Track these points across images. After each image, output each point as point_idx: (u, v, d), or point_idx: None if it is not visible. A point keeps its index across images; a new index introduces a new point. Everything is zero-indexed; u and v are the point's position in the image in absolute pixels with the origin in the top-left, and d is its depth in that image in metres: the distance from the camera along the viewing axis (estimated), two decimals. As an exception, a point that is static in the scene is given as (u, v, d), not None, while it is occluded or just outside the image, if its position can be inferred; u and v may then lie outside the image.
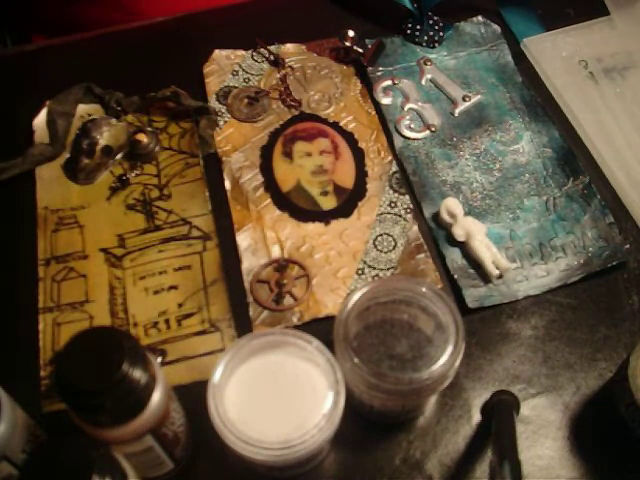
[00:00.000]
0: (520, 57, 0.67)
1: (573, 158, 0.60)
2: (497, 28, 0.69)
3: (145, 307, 0.53)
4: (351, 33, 0.65)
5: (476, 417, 0.49)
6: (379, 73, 0.65)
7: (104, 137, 0.60)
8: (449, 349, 0.43)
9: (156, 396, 0.39)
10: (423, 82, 0.65)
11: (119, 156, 0.59)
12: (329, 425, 0.41)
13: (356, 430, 0.48)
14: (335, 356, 0.44)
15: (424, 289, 0.46)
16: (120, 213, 0.57)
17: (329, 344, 0.44)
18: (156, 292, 0.53)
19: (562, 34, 0.68)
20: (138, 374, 0.37)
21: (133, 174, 0.59)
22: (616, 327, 0.53)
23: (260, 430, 0.41)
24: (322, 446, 0.43)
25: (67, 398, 0.37)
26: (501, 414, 0.46)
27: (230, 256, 0.55)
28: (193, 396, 0.43)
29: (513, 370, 0.51)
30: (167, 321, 0.52)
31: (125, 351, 0.37)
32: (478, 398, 0.50)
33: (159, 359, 0.50)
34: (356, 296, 0.45)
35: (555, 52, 0.67)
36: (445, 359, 0.43)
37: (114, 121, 0.61)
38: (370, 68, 0.65)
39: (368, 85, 0.65)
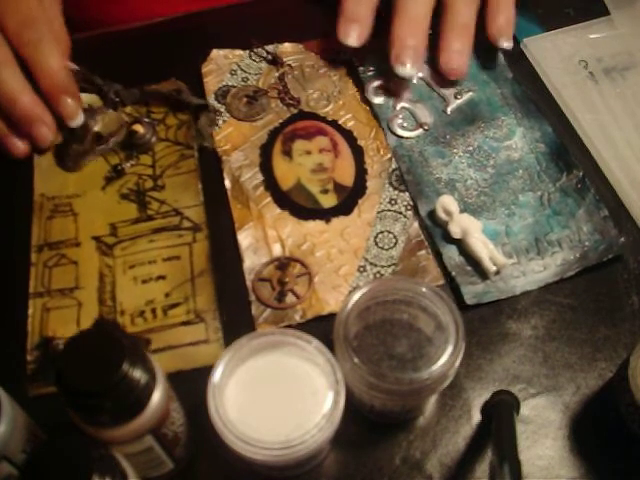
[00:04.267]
0: (520, 57, 0.67)
1: (566, 153, 0.60)
2: None
3: (133, 296, 0.53)
4: None
5: (476, 417, 0.49)
6: (370, 73, 0.65)
7: (97, 125, 0.61)
8: (449, 349, 0.44)
9: (156, 396, 0.39)
10: (414, 81, 0.65)
11: (112, 143, 0.60)
12: (329, 425, 0.41)
13: (356, 430, 0.48)
14: (335, 356, 0.44)
15: (424, 289, 0.46)
16: (114, 202, 0.58)
17: (329, 344, 0.44)
18: (144, 281, 0.54)
19: (562, 34, 0.68)
20: (138, 374, 0.37)
21: (128, 164, 0.59)
22: (616, 327, 0.53)
23: (260, 430, 0.41)
24: (322, 446, 0.43)
25: (67, 398, 0.37)
26: (501, 414, 0.46)
27: (224, 250, 0.55)
28: (193, 396, 0.43)
29: (513, 370, 0.51)
30: (154, 310, 0.52)
31: (125, 351, 0.37)
32: (478, 398, 0.50)
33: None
34: (356, 296, 0.45)
35: (555, 52, 0.67)
36: (445, 359, 0.43)
37: (110, 111, 0.61)
38: (361, 68, 0.65)
39: (359, 85, 0.65)
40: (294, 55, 0.67)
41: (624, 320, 0.53)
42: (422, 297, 0.46)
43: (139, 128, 0.60)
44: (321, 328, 0.49)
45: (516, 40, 0.68)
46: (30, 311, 0.52)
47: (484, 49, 0.66)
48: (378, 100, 0.64)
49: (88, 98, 0.62)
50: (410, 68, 0.61)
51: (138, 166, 0.60)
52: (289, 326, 0.52)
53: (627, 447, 0.48)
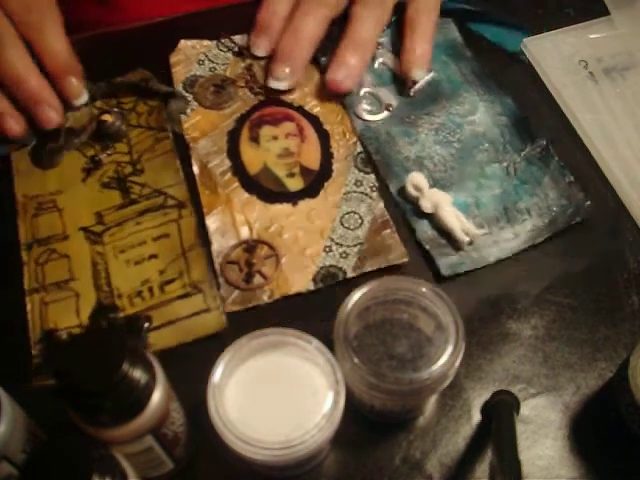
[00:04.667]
0: (520, 57, 0.67)
1: (527, 123, 0.62)
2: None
3: (128, 278, 0.54)
4: None
5: (476, 417, 0.49)
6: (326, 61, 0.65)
7: (69, 121, 0.62)
8: (449, 349, 0.44)
9: (156, 396, 0.39)
10: (376, 66, 0.66)
11: (84, 137, 0.61)
12: (329, 425, 0.41)
13: (356, 430, 0.48)
14: (335, 356, 0.44)
15: (424, 289, 0.46)
16: (96, 192, 0.59)
17: (329, 344, 0.44)
18: (137, 263, 0.55)
19: (562, 34, 0.68)
20: (138, 374, 0.37)
21: (105, 154, 0.60)
22: (616, 327, 0.53)
23: (260, 430, 0.41)
24: (322, 446, 0.43)
25: (67, 398, 0.37)
26: (501, 414, 0.46)
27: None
28: (193, 396, 0.43)
29: (513, 370, 0.51)
30: (150, 289, 0.54)
31: (125, 351, 0.37)
32: (478, 398, 0.50)
33: (146, 325, 0.51)
34: (356, 296, 0.45)
35: (555, 52, 0.67)
36: (445, 359, 0.43)
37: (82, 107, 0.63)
38: (323, 58, 0.65)
39: (323, 72, 0.65)
40: None
41: (624, 320, 0.53)
42: (422, 297, 0.46)
43: (107, 117, 0.61)
44: (321, 328, 0.49)
45: (516, 40, 0.68)
46: (28, 307, 0.53)
47: (439, 31, 0.67)
48: None
49: None
50: (282, 82, 0.63)
51: (115, 154, 0.61)
52: (257, 306, 0.53)
53: (627, 447, 0.48)
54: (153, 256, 0.55)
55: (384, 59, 0.66)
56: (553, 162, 0.59)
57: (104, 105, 0.63)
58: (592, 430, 0.49)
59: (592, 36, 0.68)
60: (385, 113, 0.63)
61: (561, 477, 0.47)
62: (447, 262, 0.54)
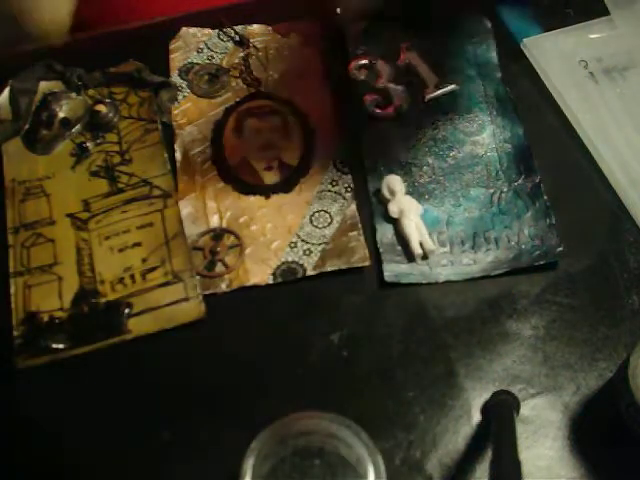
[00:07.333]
0: (520, 57, 0.67)
1: (530, 157, 0.61)
2: (488, 23, 0.68)
3: (111, 265, 0.56)
4: (339, 10, 0.67)
5: (476, 417, 0.49)
6: (360, 51, 0.66)
7: (63, 110, 0.63)
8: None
9: None
10: (401, 63, 0.66)
11: (78, 127, 0.62)
12: None
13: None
14: None
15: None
16: (84, 180, 0.60)
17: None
18: (121, 250, 0.56)
19: (562, 34, 0.68)
20: None
21: (93, 143, 0.61)
22: (616, 327, 0.53)
23: None
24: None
25: None
26: (501, 414, 0.46)
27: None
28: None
29: (513, 370, 0.51)
30: (132, 276, 0.55)
31: None
32: (478, 398, 0.50)
33: (126, 311, 0.53)
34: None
35: (555, 52, 0.67)
36: None
37: (74, 95, 0.63)
38: (352, 45, 0.66)
39: (345, 60, 0.65)
40: (261, 37, 0.68)
41: (624, 320, 0.53)
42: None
43: (102, 108, 0.62)
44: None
45: (514, 39, 0.68)
46: (12, 290, 0.54)
47: (478, 44, 0.67)
48: (361, 76, 0.65)
49: (51, 85, 0.64)
50: None
51: (105, 144, 0.62)
52: (215, 294, 0.54)
53: (627, 447, 0.48)
54: (137, 244, 0.56)
55: (412, 60, 0.66)
56: (540, 200, 0.58)
57: (96, 94, 0.64)
58: (592, 430, 0.49)
59: (592, 36, 0.68)
60: (391, 112, 0.63)
61: (561, 477, 0.47)
62: (394, 269, 0.55)
